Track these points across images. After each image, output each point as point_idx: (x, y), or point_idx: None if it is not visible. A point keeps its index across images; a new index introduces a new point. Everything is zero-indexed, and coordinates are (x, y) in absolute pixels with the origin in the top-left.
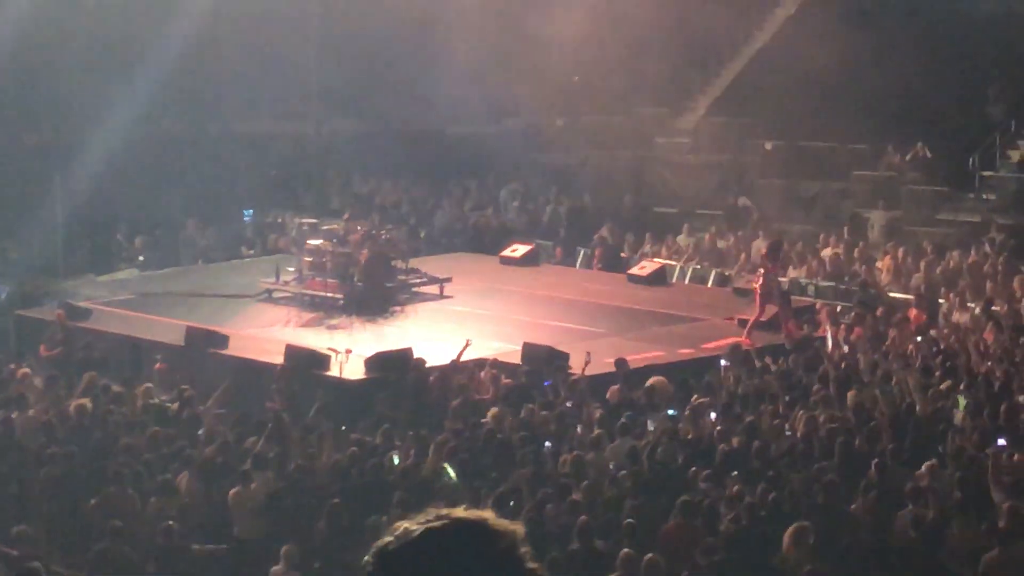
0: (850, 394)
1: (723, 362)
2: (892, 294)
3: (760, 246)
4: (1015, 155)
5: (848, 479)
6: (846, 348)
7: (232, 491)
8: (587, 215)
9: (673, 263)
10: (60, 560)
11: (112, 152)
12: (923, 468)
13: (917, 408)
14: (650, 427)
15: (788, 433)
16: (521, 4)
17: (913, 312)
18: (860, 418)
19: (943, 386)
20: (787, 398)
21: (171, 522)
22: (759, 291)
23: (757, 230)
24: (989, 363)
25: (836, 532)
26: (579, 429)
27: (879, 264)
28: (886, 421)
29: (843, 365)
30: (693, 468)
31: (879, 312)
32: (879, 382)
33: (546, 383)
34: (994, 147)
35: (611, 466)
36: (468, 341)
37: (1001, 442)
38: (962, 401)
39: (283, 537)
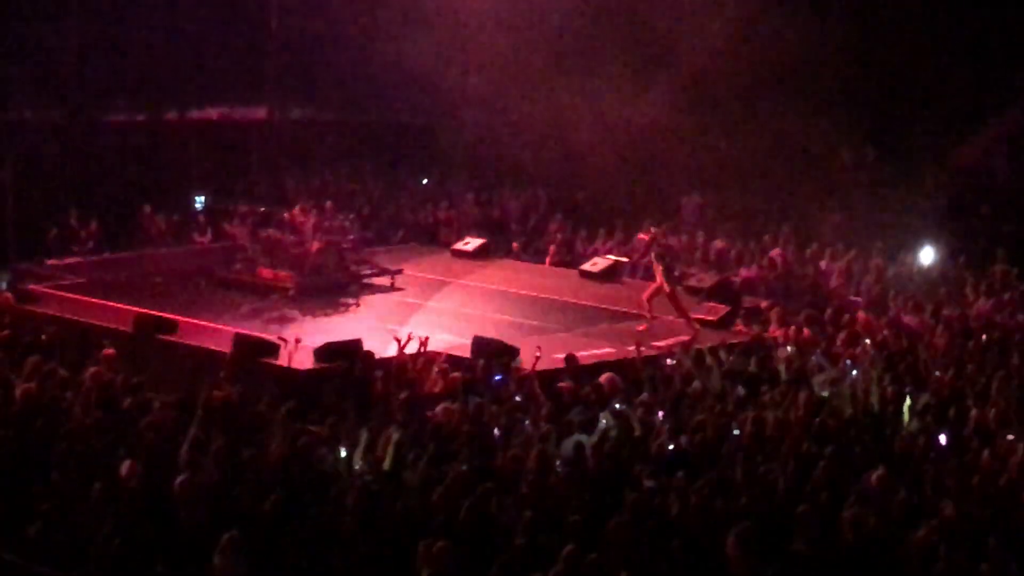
0: (801, 395)
1: (669, 360)
2: (842, 296)
3: (718, 245)
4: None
5: (796, 481)
6: (790, 349)
7: (178, 479)
8: (541, 209)
9: (625, 259)
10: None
11: (64, 136)
12: (871, 473)
13: (866, 411)
14: (602, 423)
15: (736, 433)
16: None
17: (862, 315)
18: (809, 419)
19: (891, 389)
20: (736, 397)
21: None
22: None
23: (712, 229)
24: (939, 367)
25: (781, 534)
26: (527, 424)
27: (829, 265)
28: (835, 423)
29: (793, 366)
30: (639, 466)
31: (828, 314)
32: (828, 384)
33: (497, 377)
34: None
35: (557, 463)
36: (410, 335)
37: (942, 438)
38: (907, 402)
39: (229, 527)
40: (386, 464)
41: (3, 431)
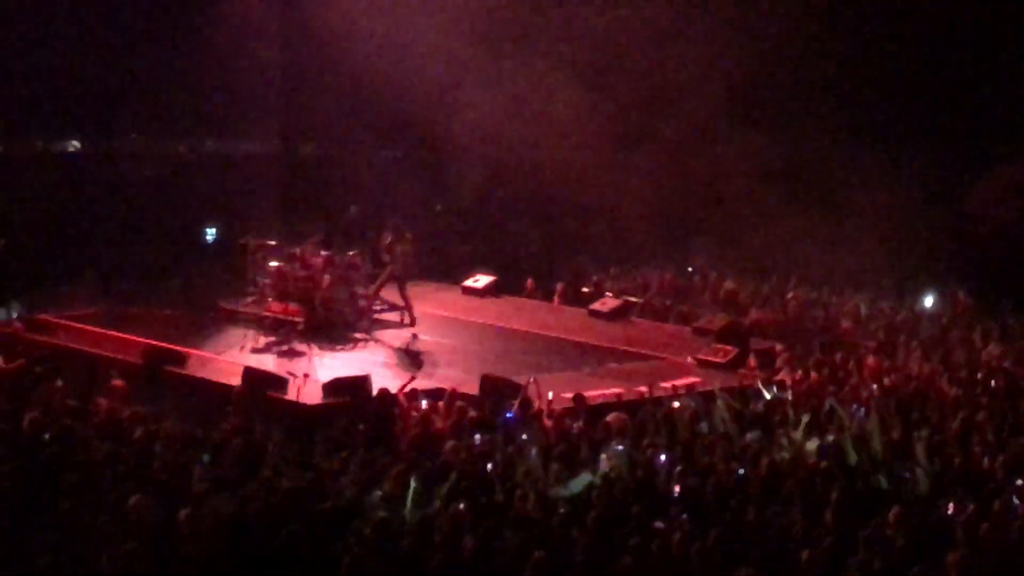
0: (810, 439)
1: (675, 403)
2: (852, 339)
3: (728, 286)
4: None
5: (805, 526)
6: (788, 394)
7: (183, 512)
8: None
9: (635, 299)
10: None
11: (77, 166)
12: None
13: (873, 456)
14: (602, 464)
15: (744, 476)
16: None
17: (871, 359)
18: (818, 464)
19: (898, 435)
20: (744, 440)
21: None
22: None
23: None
24: (946, 413)
25: None
26: (534, 462)
27: (839, 308)
28: (843, 468)
29: (801, 410)
30: (645, 508)
31: (838, 357)
32: (837, 429)
33: (508, 415)
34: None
35: (561, 504)
36: (413, 376)
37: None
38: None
39: (238, 562)
40: (407, 503)
41: (12, 460)
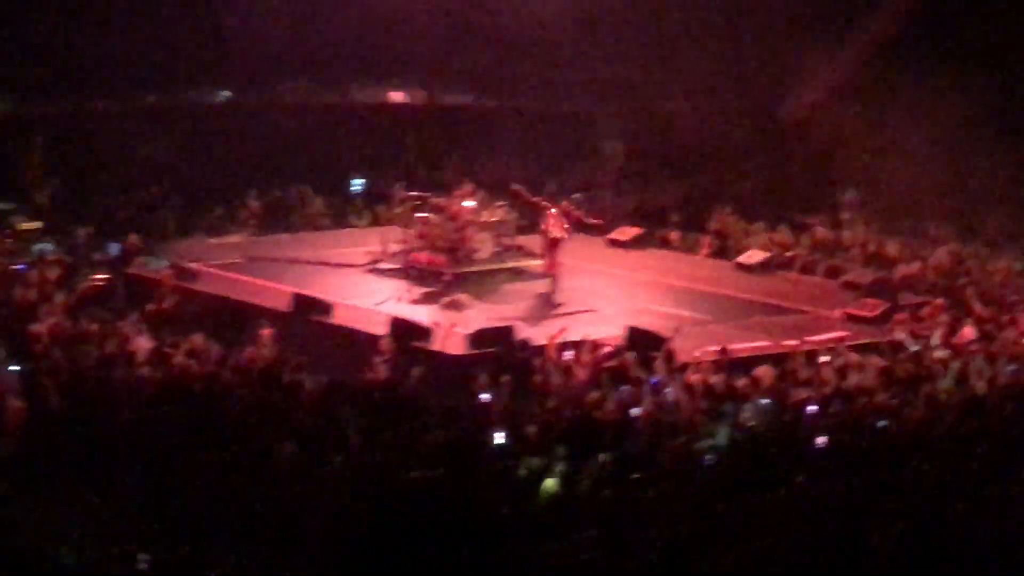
0: (958, 394)
1: (821, 358)
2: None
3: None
4: None
5: (951, 482)
6: (943, 351)
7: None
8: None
9: (783, 253)
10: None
11: (227, 118)
12: None
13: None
14: (749, 417)
15: (891, 430)
16: None
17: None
18: (966, 418)
19: None
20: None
21: None
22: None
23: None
24: None
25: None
26: (680, 416)
27: (990, 264)
28: (991, 422)
29: (950, 365)
30: (792, 461)
31: (989, 312)
32: (984, 383)
33: (653, 381)
34: None
35: (708, 457)
36: (563, 328)
37: None
38: None
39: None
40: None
41: (161, 406)
